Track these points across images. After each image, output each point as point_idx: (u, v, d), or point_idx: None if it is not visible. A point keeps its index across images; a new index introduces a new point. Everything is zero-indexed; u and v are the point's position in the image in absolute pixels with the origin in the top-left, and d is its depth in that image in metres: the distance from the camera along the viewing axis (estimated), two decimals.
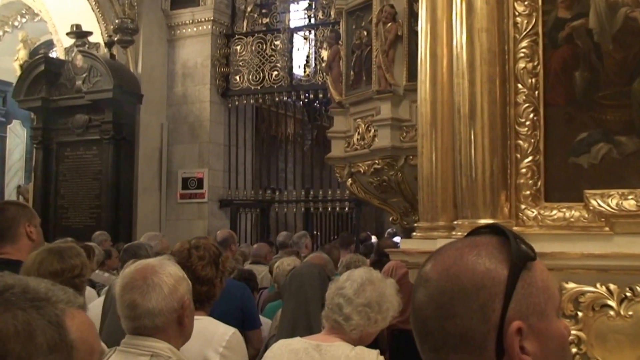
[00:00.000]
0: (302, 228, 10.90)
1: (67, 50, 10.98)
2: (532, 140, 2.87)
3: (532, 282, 1.12)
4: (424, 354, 1.16)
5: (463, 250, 1.16)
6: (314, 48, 10.71)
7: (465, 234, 2.41)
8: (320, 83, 10.11)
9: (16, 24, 14.08)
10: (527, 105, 2.88)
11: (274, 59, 10.92)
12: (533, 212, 2.83)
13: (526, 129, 2.88)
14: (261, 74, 10.99)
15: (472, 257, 1.13)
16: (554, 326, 1.13)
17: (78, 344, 1.10)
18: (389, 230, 12.04)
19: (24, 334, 1.04)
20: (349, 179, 4.87)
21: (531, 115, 2.88)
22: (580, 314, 2.62)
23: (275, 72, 10.88)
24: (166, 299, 2.25)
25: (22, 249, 3.24)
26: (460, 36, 2.98)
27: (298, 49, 11.11)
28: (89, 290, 4.74)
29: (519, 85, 2.90)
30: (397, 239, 9.96)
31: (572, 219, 2.75)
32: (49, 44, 13.57)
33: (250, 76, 11.05)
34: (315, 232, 10.99)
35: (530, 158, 2.86)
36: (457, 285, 1.11)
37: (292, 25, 11.47)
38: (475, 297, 1.10)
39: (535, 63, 2.90)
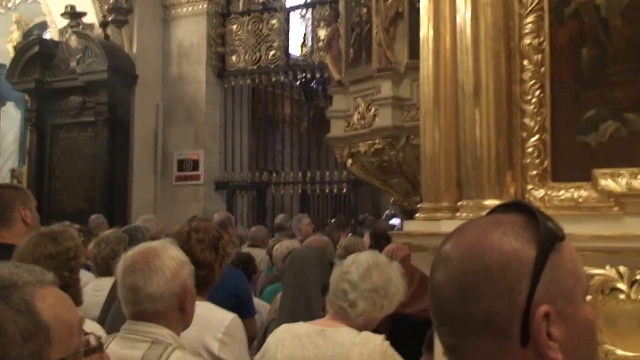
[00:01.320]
0: (299, 210, 10.86)
1: (61, 32, 10.85)
2: (539, 119, 2.79)
3: (561, 263, 1.06)
4: (442, 338, 1.09)
5: (487, 228, 1.08)
6: (310, 27, 10.59)
7: (470, 214, 2.32)
8: (317, 63, 10.00)
9: (9, 5, 13.90)
10: (533, 82, 2.80)
11: (271, 38, 10.78)
12: (540, 192, 2.75)
13: (532, 106, 2.80)
14: (257, 53, 10.84)
15: (498, 235, 1.06)
16: (582, 311, 1.07)
17: (53, 324, 1.07)
18: (387, 212, 12.00)
19: None
20: (349, 160, 4.79)
21: (537, 93, 2.80)
22: (589, 297, 2.55)
23: (272, 52, 10.73)
24: (168, 283, 2.20)
25: (16, 233, 3.20)
26: (464, 11, 2.89)
27: (295, 28, 10.99)
28: (89, 276, 4.68)
29: (525, 62, 2.81)
30: (394, 221, 9.94)
31: (580, 199, 2.67)
32: (43, 26, 13.41)
33: (247, 56, 10.91)
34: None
35: (536, 137, 2.78)
36: (481, 266, 1.04)
37: (288, 4, 11.35)
38: (501, 279, 1.02)
39: (541, 39, 2.81)
